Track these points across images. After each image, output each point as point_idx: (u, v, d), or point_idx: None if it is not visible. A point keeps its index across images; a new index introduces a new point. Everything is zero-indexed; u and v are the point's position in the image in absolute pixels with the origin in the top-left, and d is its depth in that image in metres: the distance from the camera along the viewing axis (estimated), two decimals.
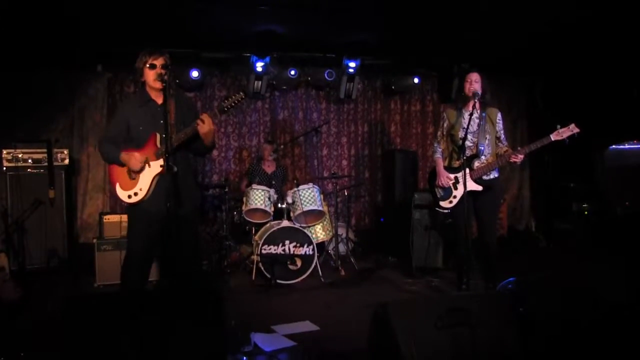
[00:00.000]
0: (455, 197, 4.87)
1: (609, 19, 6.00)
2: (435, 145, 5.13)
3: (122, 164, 3.80)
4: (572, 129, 4.48)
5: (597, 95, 7.53)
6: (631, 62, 6.90)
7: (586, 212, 7.72)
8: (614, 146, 7.85)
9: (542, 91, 8.95)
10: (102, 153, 3.94)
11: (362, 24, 6.54)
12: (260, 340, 3.96)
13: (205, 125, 3.67)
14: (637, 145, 7.60)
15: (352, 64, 7.66)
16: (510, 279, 3.32)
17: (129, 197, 3.79)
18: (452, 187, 4.90)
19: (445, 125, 5.01)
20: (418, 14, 6.08)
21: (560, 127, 4.51)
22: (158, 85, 3.73)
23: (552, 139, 4.52)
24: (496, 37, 6.83)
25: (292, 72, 7.67)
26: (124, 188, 3.81)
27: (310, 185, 6.32)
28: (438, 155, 5.07)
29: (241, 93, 3.74)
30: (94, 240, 5.96)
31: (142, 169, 3.75)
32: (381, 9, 5.91)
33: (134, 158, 3.73)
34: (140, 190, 3.77)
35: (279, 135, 8.28)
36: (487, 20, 6.18)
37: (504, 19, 6.14)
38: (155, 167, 3.75)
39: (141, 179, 3.77)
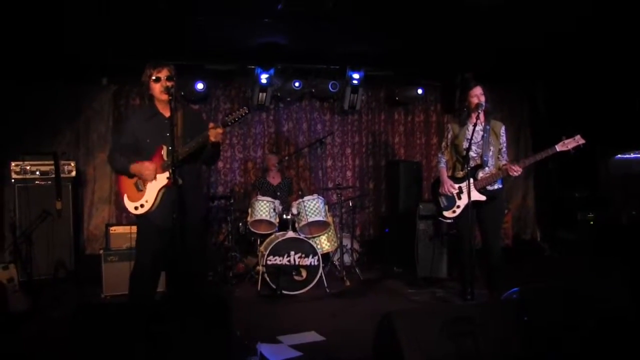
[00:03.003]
0: (458, 206, 4.89)
1: (613, 26, 6.03)
2: (440, 156, 5.17)
3: (132, 176, 3.84)
4: (578, 140, 4.49)
5: (602, 104, 7.53)
6: (636, 70, 6.91)
7: (591, 222, 7.70)
8: (619, 155, 7.85)
9: (545, 99, 8.95)
10: (112, 164, 4.01)
11: (365, 36, 6.59)
12: (266, 350, 3.97)
13: (216, 134, 3.72)
14: None
15: (356, 76, 7.71)
16: (515, 288, 3.33)
17: (136, 208, 3.84)
18: (455, 197, 4.92)
19: (449, 136, 5.05)
20: (421, 25, 6.12)
21: (566, 138, 4.52)
22: (165, 97, 3.77)
23: (558, 150, 4.52)
24: (499, 46, 6.87)
25: (297, 84, 7.72)
26: (131, 199, 3.86)
27: (315, 196, 6.34)
28: (442, 165, 5.11)
29: (245, 108, 3.78)
30: (101, 252, 5.98)
31: (154, 178, 3.79)
32: (384, 20, 5.95)
33: (146, 168, 3.76)
34: (147, 202, 3.80)
35: (283, 147, 8.32)
36: (490, 30, 6.21)
37: (507, 28, 6.17)
38: (162, 179, 3.78)
39: (148, 191, 3.81)
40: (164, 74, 3.79)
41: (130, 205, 3.87)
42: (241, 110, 3.77)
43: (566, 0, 5.37)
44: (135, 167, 3.80)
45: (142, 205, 3.81)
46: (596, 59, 7.21)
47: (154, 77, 3.80)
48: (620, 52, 6.83)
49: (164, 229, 3.74)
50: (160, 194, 3.79)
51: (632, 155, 7.70)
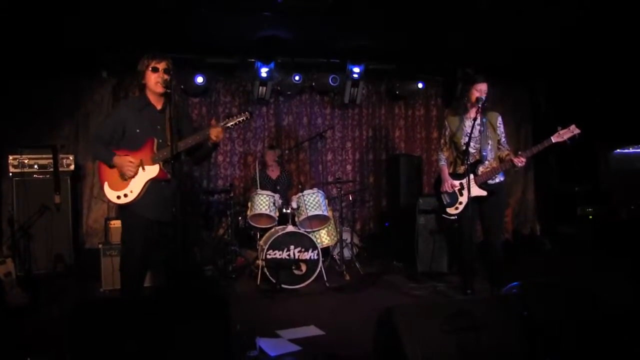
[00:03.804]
0: (461, 203, 4.88)
1: (614, 21, 6.00)
2: (439, 153, 5.16)
3: (113, 166, 3.79)
4: (573, 130, 4.48)
5: (602, 99, 7.52)
6: (636, 65, 6.89)
7: (591, 216, 7.70)
8: (618, 150, 7.84)
9: (546, 94, 8.93)
10: (92, 151, 3.99)
11: (366, 29, 6.56)
12: (266, 344, 3.96)
13: (217, 133, 3.73)
14: None
15: (357, 69, 7.69)
16: (515, 283, 3.31)
17: (118, 197, 3.78)
18: (457, 194, 4.91)
19: (447, 133, 5.03)
20: (422, 19, 6.09)
21: (561, 129, 4.52)
22: (160, 89, 3.76)
23: (553, 141, 4.51)
24: (500, 41, 6.85)
25: (297, 78, 7.70)
26: (113, 188, 3.80)
27: (315, 190, 6.33)
28: (442, 163, 5.09)
29: (247, 113, 3.82)
30: (100, 246, 5.96)
31: (134, 176, 3.76)
32: (385, 14, 5.92)
33: (129, 163, 3.73)
34: (131, 192, 3.77)
35: (283, 141, 8.30)
36: (491, 25, 6.19)
37: (508, 24, 6.15)
38: (150, 171, 3.77)
39: (133, 182, 3.77)
40: (162, 66, 3.78)
41: (111, 194, 3.79)
42: (243, 115, 3.80)
43: None
44: (117, 160, 3.75)
45: (125, 195, 3.77)
46: (597, 55, 7.19)
47: (151, 67, 3.77)
48: (621, 48, 6.81)
49: (152, 221, 3.74)
50: (147, 185, 3.77)
51: (632, 150, 7.69)
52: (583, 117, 4.60)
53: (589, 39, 6.60)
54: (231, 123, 3.76)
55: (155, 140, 3.77)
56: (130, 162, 3.74)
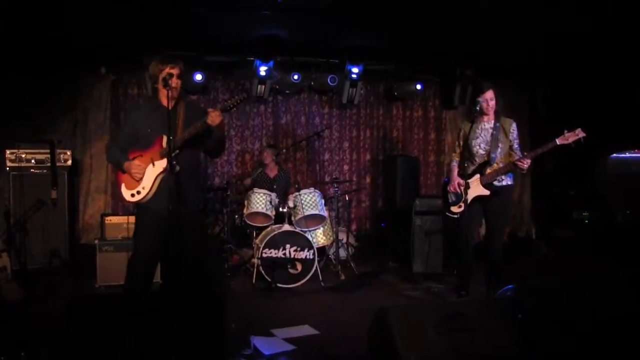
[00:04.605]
0: (465, 201, 4.92)
1: (612, 23, 6.01)
2: (453, 155, 5.29)
3: (124, 172, 3.86)
4: (578, 133, 4.52)
5: (600, 103, 7.52)
6: (634, 68, 6.90)
7: (587, 220, 7.71)
8: (615, 155, 7.85)
9: (544, 96, 8.93)
10: (107, 154, 4.10)
11: (365, 29, 6.56)
12: (260, 343, 3.97)
13: (214, 116, 3.72)
14: (639, 154, 7.60)
15: (355, 69, 7.67)
16: (509, 285, 3.33)
17: (132, 195, 3.84)
18: (462, 192, 4.94)
19: (461, 135, 5.13)
20: (421, 19, 6.10)
21: (567, 131, 4.54)
22: (174, 93, 3.79)
23: (558, 143, 4.55)
24: (498, 43, 6.85)
25: (295, 77, 7.68)
26: (128, 187, 3.87)
27: (312, 189, 6.34)
28: (454, 164, 5.19)
29: (244, 93, 3.86)
30: (96, 241, 5.96)
31: (143, 176, 3.81)
32: (385, 14, 5.92)
33: (135, 167, 3.80)
34: (143, 188, 3.82)
35: (281, 140, 8.29)
36: (490, 26, 6.19)
37: (506, 25, 6.15)
38: (159, 166, 3.80)
39: (145, 178, 3.83)
40: (175, 71, 3.81)
41: (126, 193, 3.87)
42: (240, 95, 3.82)
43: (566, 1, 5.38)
44: (126, 166, 3.84)
45: (138, 192, 3.82)
46: (595, 58, 7.19)
47: (167, 73, 3.76)
48: (618, 49, 6.81)
49: (162, 216, 3.75)
50: (158, 180, 3.81)
51: (628, 155, 7.70)
52: (581, 121, 4.61)
53: (588, 41, 6.60)
54: (230, 103, 3.78)
55: (165, 137, 3.79)
56: (138, 165, 3.81)
